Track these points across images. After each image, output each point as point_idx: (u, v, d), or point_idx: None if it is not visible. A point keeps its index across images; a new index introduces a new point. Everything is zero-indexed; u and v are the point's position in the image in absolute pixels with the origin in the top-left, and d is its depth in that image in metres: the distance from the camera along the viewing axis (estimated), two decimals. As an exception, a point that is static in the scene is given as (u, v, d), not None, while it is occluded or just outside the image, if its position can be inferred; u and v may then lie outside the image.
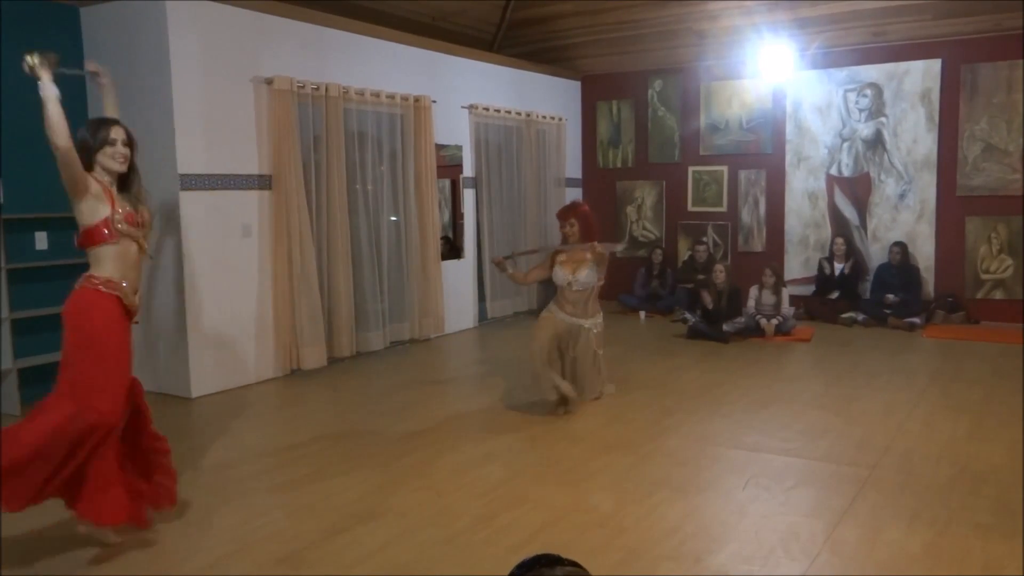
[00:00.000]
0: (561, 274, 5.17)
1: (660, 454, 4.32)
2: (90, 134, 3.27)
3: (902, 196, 8.37)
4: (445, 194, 8.66)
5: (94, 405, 3.12)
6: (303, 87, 6.23)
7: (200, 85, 5.65)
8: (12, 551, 3.27)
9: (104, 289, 3.25)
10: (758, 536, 3.29)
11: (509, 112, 8.62)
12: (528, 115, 8.89)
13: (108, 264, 3.27)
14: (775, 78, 8.71)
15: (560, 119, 9.47)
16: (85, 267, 3.30)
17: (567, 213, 5.31)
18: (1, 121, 5.35)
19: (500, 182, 8.77)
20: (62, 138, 3.07)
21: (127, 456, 3.40)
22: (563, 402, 5.14)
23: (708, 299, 7.64)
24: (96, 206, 3.24)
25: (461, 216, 8.44)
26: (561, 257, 5.24)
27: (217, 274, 5.80)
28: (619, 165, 9.93)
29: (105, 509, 3.17)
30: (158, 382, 5.78)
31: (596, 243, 5.14)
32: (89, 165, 3.24)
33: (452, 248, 8.39)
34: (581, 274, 5.11)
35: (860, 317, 8.12)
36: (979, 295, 8.09)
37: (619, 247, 7.08)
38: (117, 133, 3.30)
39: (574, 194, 9.77)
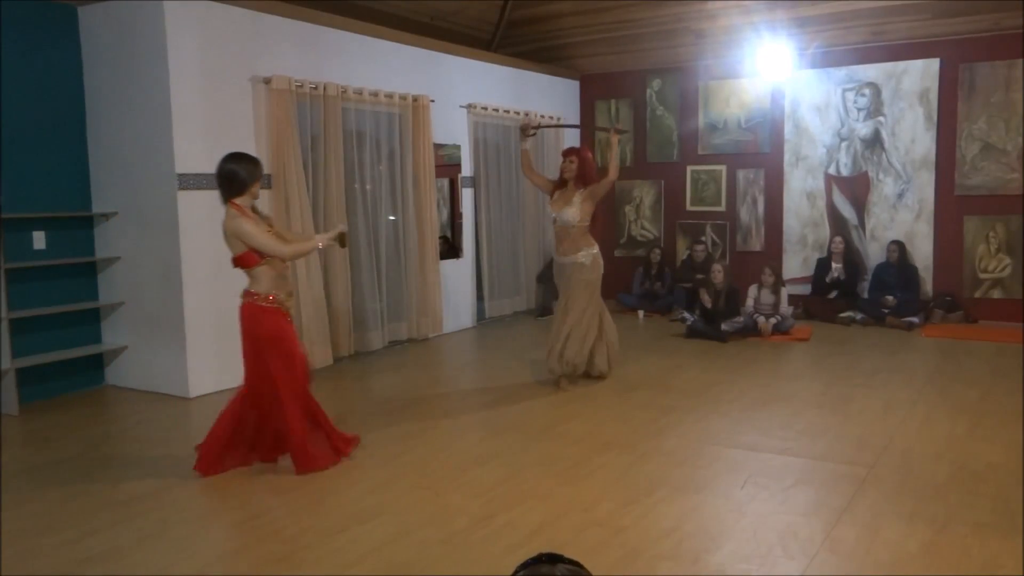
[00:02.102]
0: (548, 210, 5.70)
1: (658, 453, 4.33)
2: (255, 167, 3.92)
3: (900, 195, 8.37)
4: (443, 193, 8.64)
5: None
6: (301, 86, 6.23)
7: (198, 84, 5.64)
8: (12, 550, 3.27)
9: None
10: (756, 535, 3.29)
11: (507, 111, 8.61)
12: (527, 114, 8.87)
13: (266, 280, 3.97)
14: (774, 77, 8.71)
15: (559, 118, 9.47)
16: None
17: (572, 151, 5.72)
18: (1, 121, 5.35)
19: (499, 181, 8.77)
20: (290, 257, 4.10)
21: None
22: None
23: (707, 298, 7.64)
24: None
25: (460, 215, 8.43)
26: (556, 196, 5.70)
27: (215, 274, 5.79)
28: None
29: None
30: (156, 381, 5.78)
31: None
32: (239, 192, 3.86)
33: (450, 247, 8.38)
34: (564, 212, 5.54)
35: (858, 316, 8.12)
36: (977, 294, 8.09)
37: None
38: None
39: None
